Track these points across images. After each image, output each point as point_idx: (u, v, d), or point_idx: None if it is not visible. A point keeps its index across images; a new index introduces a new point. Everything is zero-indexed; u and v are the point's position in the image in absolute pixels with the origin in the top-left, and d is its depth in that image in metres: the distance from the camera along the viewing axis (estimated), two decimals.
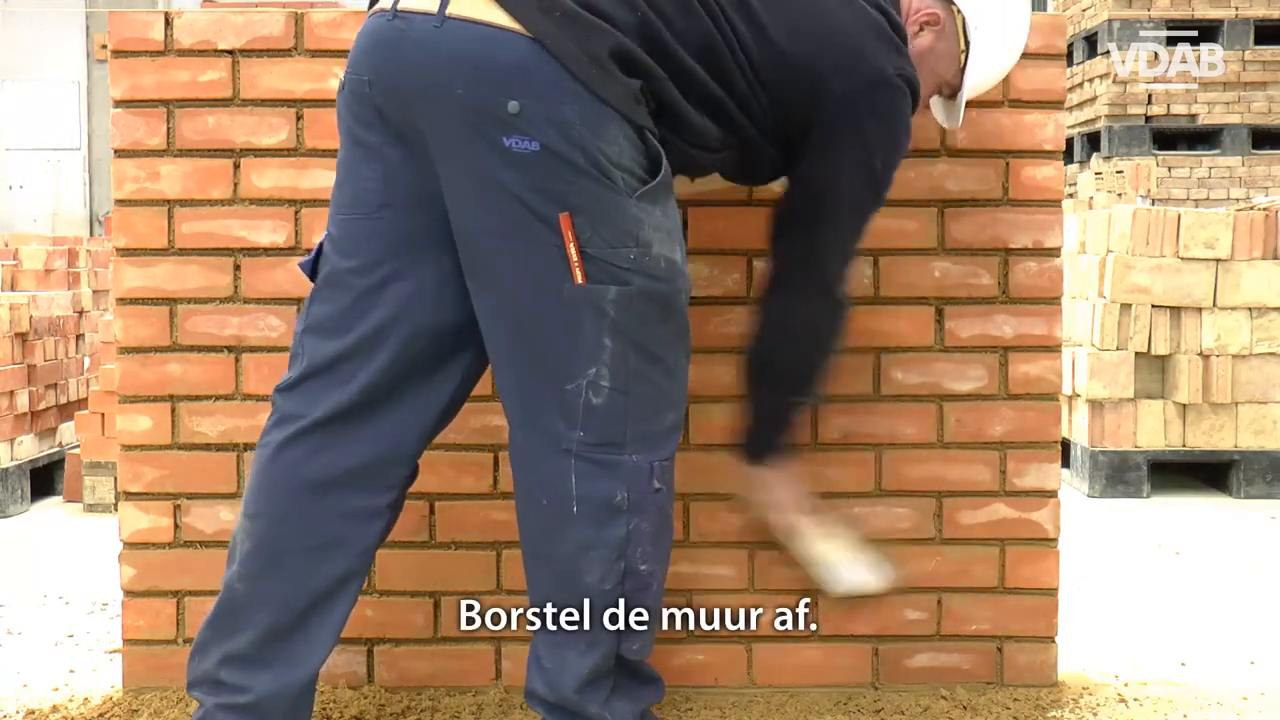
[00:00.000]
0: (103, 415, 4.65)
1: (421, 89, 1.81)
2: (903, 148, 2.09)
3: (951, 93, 2.22)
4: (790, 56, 1.95)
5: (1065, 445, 5.16)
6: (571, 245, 1.78)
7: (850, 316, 2.17)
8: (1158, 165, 9.15)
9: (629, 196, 1.81)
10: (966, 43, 2.15)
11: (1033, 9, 2.29)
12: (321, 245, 1.98)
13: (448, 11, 1.79)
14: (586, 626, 1.90)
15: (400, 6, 1.84)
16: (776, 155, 2.04)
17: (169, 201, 2.38)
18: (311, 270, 1.99)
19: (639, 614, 1.91)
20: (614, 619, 1.90)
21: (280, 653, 1.96)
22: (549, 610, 1.92)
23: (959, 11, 2.15)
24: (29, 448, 4.91)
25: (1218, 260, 4.85)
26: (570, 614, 1.91)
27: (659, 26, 1.85)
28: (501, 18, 1.78)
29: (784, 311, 2.09)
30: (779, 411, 2.16)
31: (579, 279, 1.80)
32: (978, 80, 2.19)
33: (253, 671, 1.94)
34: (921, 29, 2.14)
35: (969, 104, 2.37)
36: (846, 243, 2.10)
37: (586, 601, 1.90)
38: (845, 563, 2.26)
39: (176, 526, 2.41)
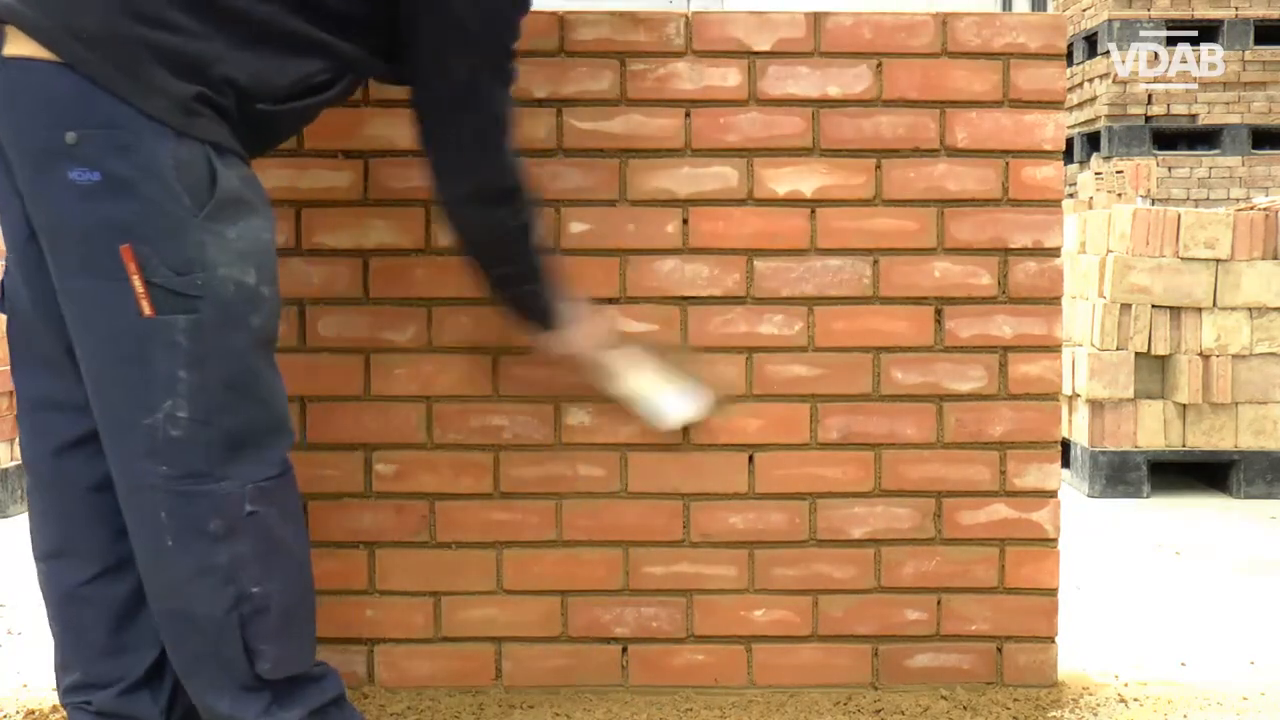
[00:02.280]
0: None
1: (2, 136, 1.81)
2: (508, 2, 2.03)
3: None
4: None
5: (1065, 445, 5.16)
6: (136, 277, 1.76)
7: (526, 180, 2.11)
8: (1158, 165, 9.15)
9: (194, 217, 1.78)
10: None
11: (1033, 9, 2.29)
12: (2, 280, 2.00)
13: (4, 53, 1.78)
14: (209, 653, 1.89)
15: None
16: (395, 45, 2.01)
17: None
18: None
19: (261, 635, 1.88)
20: (235, 642, 1.87)
21: (110, 669, 2.01)
22: (171, 641, 1.91)
23: None
24: None
25: (1218, 260, 4.85)
26: (188, 642, 1.90)
27: None
28: (48, 52, 1.75)
29: (457, 217, 2.09)
30: (518, 289, 2.16)
31: (146, 311, 1.77)
32: None
33: (94, 691, 2.01)
34: None
35: (967, 104, 2.38)
36: (478, 120, 2.03)
37: (203, 629, 1.87)
38: (663, 395, 2.33)
39: None
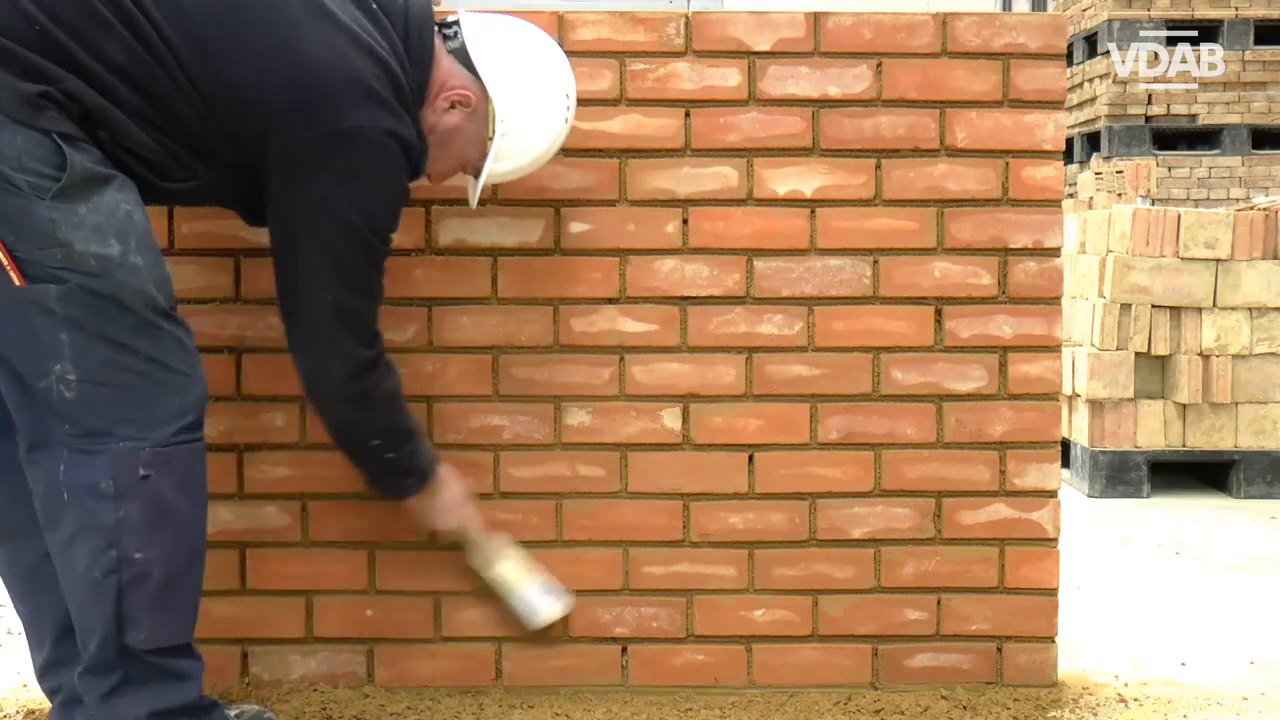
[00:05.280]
0: None
1: None
2: (385, 200, 2.06)
3: (476, 173, 2.19)
4: (241, 91, 1.94)
5: (1065, 445, 5.15)
6: (1, 251, 1.82)
7: (390, 376, 2.14)
8: (1158, 165, 9.15)
9: (41, 199, 1.82)
10: (494, 132, 2.14)
11: (1032, 9, 2.30)
12: None
13: None
14: (80, 614, 1.93)
15: None
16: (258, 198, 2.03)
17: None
18: None
19: (140, 603, 1.91)
20: (107, 608, 1.90)
21: (70, 646, 2.04)
22: (68, 601, 1.97)
23: (492, 101, 2.13)
24: None
25: (1218, 260, 4.85)
26: (73, 602, 1.94)
27: (60, 37, 1.83)
28: None
29: (313, 395, 2.13)
30: (375, 458, 2.19)
31: (18, 281, 1.83)
32: (497, 170, 2.17)
33: (61, 671, 2.06)
34: (452, 106, 2.13)
35: (967, 104, 2.38)
36: (344, 303, 2.06)
37: (80, 590, 1.92)
38: (531, 589, 2.34)
39: None
